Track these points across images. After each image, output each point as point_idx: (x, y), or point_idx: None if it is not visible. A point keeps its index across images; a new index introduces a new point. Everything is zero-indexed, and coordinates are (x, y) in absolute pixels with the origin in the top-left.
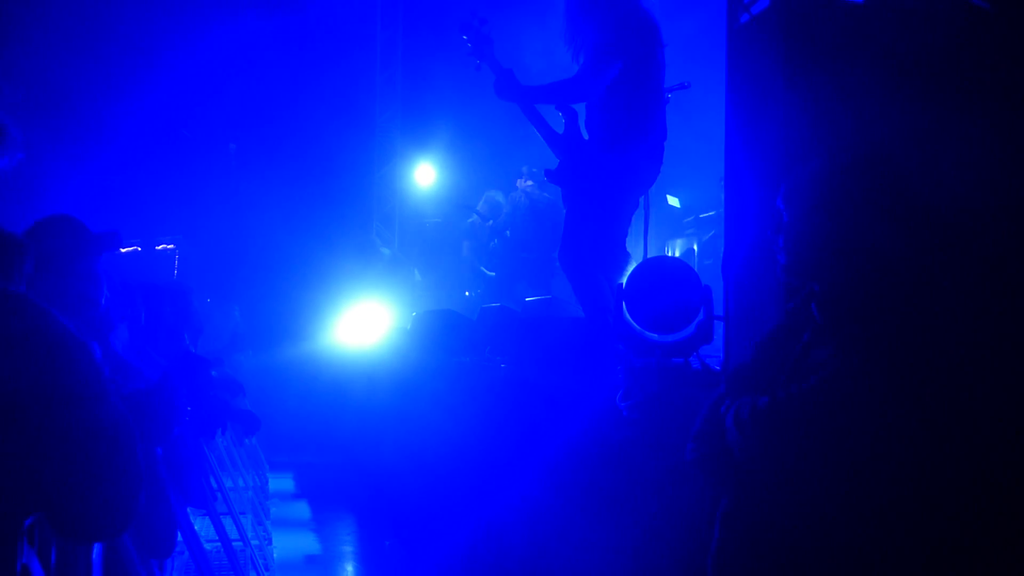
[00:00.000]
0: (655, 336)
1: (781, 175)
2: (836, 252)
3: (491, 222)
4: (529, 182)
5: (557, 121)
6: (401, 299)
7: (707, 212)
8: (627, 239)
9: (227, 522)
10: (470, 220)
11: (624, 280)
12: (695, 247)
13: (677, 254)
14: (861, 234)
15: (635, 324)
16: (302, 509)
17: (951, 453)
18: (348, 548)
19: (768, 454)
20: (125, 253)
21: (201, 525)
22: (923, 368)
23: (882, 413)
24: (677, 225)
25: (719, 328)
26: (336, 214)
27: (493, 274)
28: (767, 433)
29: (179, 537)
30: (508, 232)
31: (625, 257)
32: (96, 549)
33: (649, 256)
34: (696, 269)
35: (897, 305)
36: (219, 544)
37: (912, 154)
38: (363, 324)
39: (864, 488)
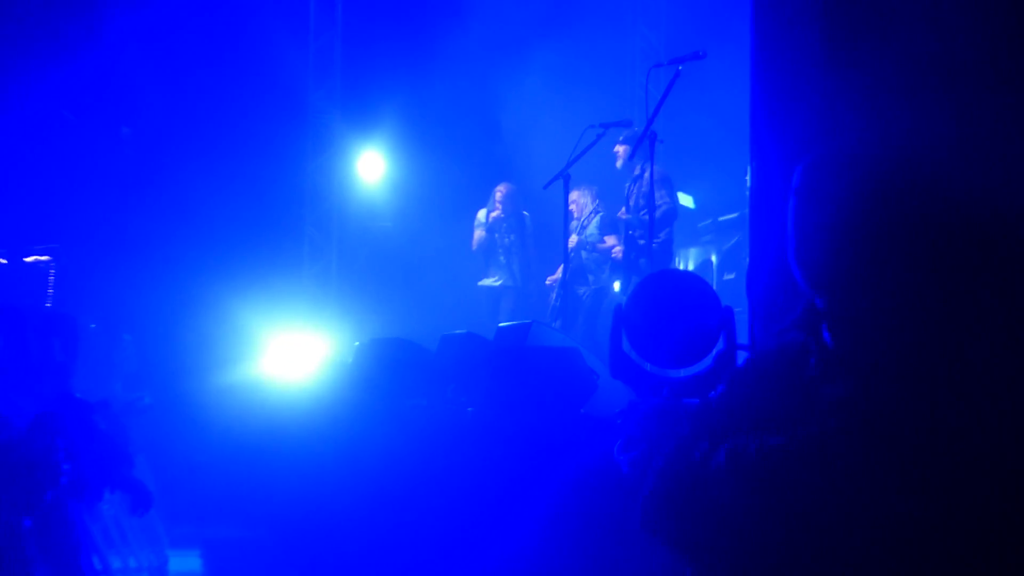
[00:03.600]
0: (663, 371)
1: None
2: (850, 260)
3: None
4: None
5: None
6: (340, 324)
7: (728, 214)
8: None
9: None
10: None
11: (624, 300)
12: (713, 258)
13: (691, 267)
14: (884, 240)
15: (637, 356)
16: None
17: (1007, 520)
18: None
19: (780, 505)
20: None
21: None
22: (968, 418)
23: (921, 473)
24: (691, 230)
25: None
26: (257, 217)
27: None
28: (780, 479)
29: None
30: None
31: None
32: None
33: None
34: (714, 286)
35: (932, 332)
36: None
37: (960, 149)
38: (291, 356)
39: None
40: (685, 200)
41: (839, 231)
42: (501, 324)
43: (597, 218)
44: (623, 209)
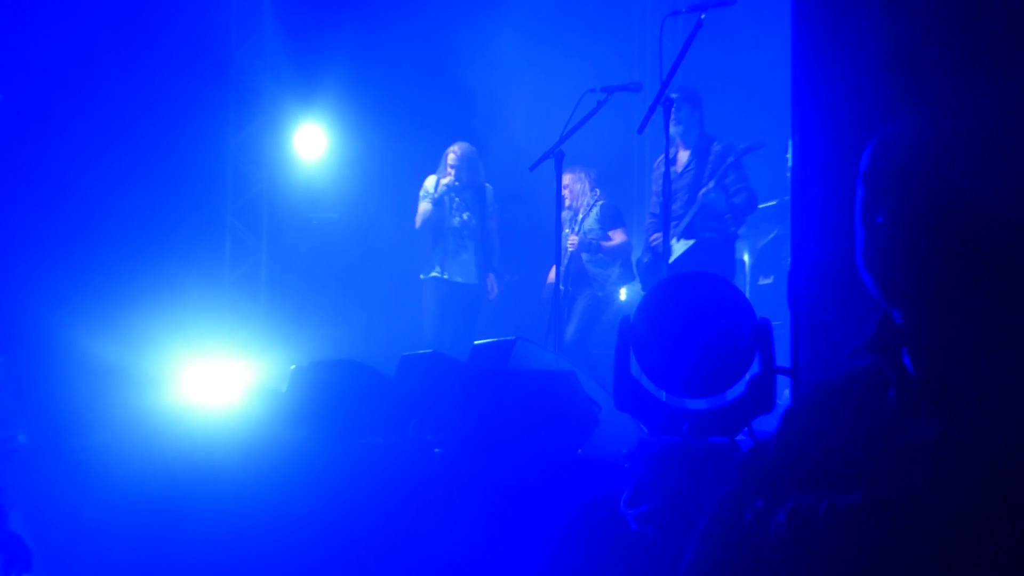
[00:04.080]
0: (681, 401)
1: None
2: (942, 265)
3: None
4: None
5: None
6: (271, 342)
7: (764, 202)
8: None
9: None
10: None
11: (633, 312)
12: (745, 257)
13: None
14: (986, 239)
15: (649, 382)
16: None
17: None
18: None
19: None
20: None
21: None
22: None
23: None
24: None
25: (783, 386)
26: (164, 207)
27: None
28: (858, 549)
29: None
30: None
31: None
32: None
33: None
34: (747, 292)
35: None
36: None
37: None
38: (208, 384)
39: None
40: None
41: (926, 227)
42: (478, 342)
43: (597, 209)
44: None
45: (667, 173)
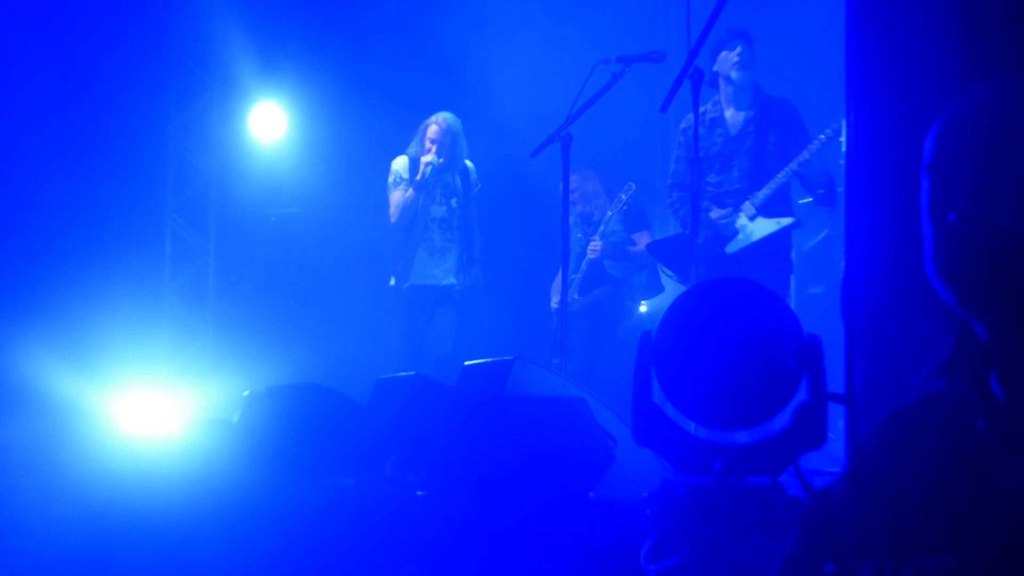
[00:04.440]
0: (713, 434)
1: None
2: None
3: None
4: None
5: None
6: (220, 363)
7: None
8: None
9: None
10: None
11: (656, 326)
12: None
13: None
14: None
15: (674, 411)
16: None
17: None
18: None
19: None
20: None
21: None
22: None
23: None
24: None
25: (836, 416)
26: (93, 202)
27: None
28: None
29: None
30: None
31: None
32: None
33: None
34: (792, 303)
35: None
36: None
37: None
38: (145, 413)
39: None
40: None
41: (1013, 221)
42: (468, 363)
43: (620, 209)
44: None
45: (695, 140)
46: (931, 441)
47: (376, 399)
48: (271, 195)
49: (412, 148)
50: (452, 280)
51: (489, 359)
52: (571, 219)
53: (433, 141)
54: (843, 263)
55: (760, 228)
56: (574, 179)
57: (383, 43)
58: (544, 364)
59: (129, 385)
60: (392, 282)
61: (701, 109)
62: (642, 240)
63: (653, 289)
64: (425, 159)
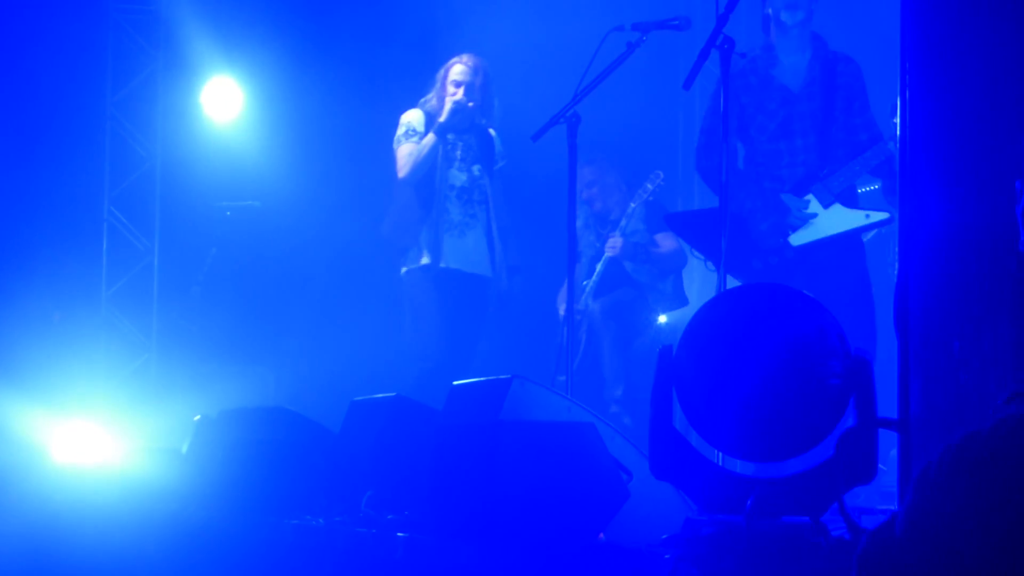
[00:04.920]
0: (744, 465)
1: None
2: None
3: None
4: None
5: None
6: (167, 383)
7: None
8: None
9: None
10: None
11: (677, 340)
12: None
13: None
14: None
15: (699, 438)
16: None
17: None
18: None
19: None
20: None
21: None
22: None
23: None
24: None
25: (888, 445)
26: (16, 192)
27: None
28: None
29: None
30: None
31: None
32: None
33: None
34: (837, 314)
35: None
36: None
37: None
38: (79, 441)
39: None
40: None
41: None
42: (456, 382)
43: (640, 206)
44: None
45: (726, 109)
46: (1012, 472)
47: (350, 424)
48: (226, 185)
49: (429, 100)
50: (474, 268)
51: (483, 378)
52: (582, 217)
53: (459, 83)
54: (897, 266)
55: (840, 220)
56: (587, 171)
57: (357, 6)
58: (548, 383)
59: (62, 409)
60: (423, 260)
61: (746, 56)
62: (666, 243)
63: (677, 300)
64: (453, 98)
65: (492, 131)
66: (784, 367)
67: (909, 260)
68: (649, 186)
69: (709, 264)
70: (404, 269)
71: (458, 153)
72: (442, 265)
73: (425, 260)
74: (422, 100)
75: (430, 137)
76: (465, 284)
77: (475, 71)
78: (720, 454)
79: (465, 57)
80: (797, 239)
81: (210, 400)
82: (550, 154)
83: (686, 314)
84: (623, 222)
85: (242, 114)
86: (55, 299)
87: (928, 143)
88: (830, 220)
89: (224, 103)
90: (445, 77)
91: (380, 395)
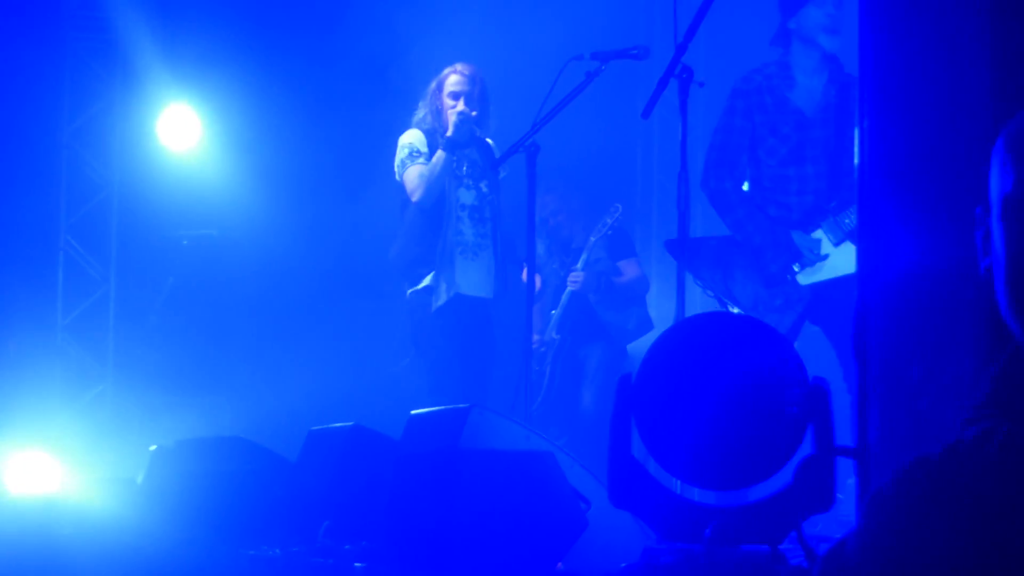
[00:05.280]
0: (703, 493)
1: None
2: None
3: None
4: None
5: None
6: (121, 412)
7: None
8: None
9: None
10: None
11: (636, 368)
12: None
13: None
14: None
15: (657, 466)
16: None
17: None
18: None
19: None
20: None
21: None
22: None
23: None
24: None
25: (846, 473)
26: None
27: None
28: None
29: None
30: None
31: None
32: None
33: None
34: (793, 339)
35: None
36: None
37: None
38: (36, 470)
39: None
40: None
41: None
42: (415, 411)
43: (604, 233)
44: None
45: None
46: (973, 496)
47: (308, 454)
48: (183, 214)
49: (422, 116)
50: (481, 291)
51: (441, 407)
52: (543, 245)
53: (457, 94)
54: (856, 291)
55: (851, 260)
56: (550, 199)
57: (316, 33)
58: (506, 413)
59: (16, 439)
60: (442, 296)
61: (762, 71)
62: (629, 270)
63: (642, 328)
64: (456, 110)
65: (489, 140)
66: (742, 395)
67: (868, 287)
68: (608, 220)
69: (708, 292)
70: (410, 291)
71: (464, 170)
72: (461, 291)
73: (438, 286)
74: (415, 118)
75: (440, 155)
76: (477, 309)
77: (472, 80)
78: (679, 482)
79: (460, 66)
80: (806, 279)
81: (166, 430)
82: (512, 182)
83: (645, 343)
84: (584, 255)
85: (199, 141)
86: (9, 328)
87: (886, 169)
88: (840, 260)
89: (181, 131)
90: (440, 89)
91: (338, 424)
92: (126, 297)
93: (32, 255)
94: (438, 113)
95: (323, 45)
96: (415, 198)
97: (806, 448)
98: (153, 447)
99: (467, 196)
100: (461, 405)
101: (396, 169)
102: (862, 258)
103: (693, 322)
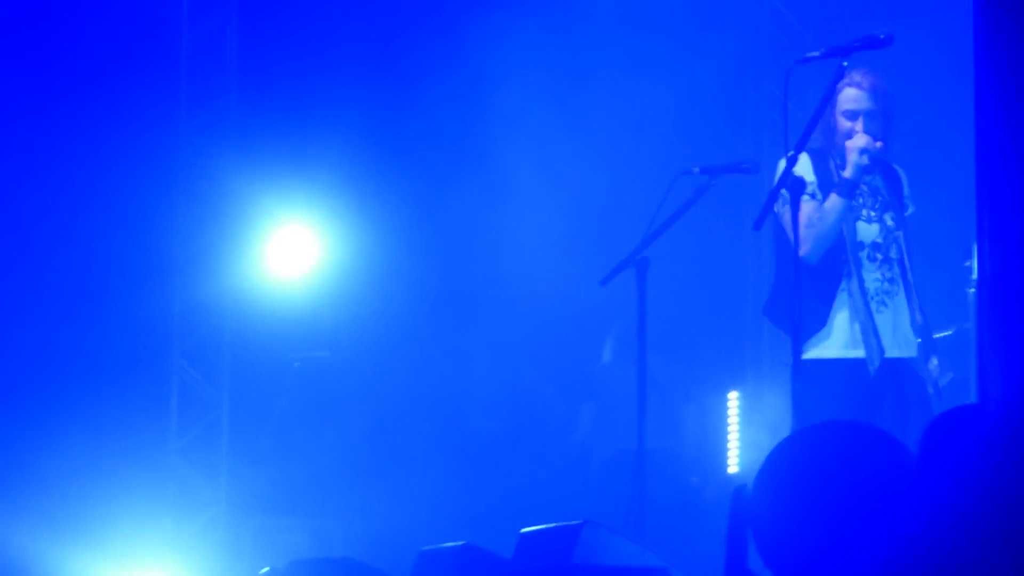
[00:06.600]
0: None
1: None
2: None
3: None
4: None
5: None
6: (237, 533)
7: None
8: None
9: None
10: None
11: (752, 479)
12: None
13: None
14: None
15: None
16: None
17: None
18: None
19: None
20: None
21: None
22: None
23: None
24: None
25: None
26: (85, 344)
27: None
28: None
29: None
30: None
31: None
32: None
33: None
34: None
35: None
36: None
37: None
38: None
39: None
40: None
41: None
42: (526, 529)
43: None
44: None
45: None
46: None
47: (419, 574)
48: (294, 335)
49: (814, 136)
50: (903, 350)
51: (552, 524)
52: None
53: (854, 114)
54: (976, 388)
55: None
56: None
57: (425, 150)
58: (619, 529)
59: (128, 564)
60: (844, 351)
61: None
62: None
63: None
64: (855, 143)
65: (896, 167)
66: (863, 507)
67: (992, 374)
68: None
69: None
70: (805, 356)
71: (864, 197)
72: (887, 355)
73: (852, 350)
74: (812, 137)
75: (835, 201)
76: (893, 371)
77: (873, 94)
78: None
79: (857, 75)
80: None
81: (279, 553)
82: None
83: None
84: None
85: (316, 263)
86: (125, 452)
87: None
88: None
89: (293, 252)
90: (836, 105)
91: (448, 544)
92: (239, 420)
93: (146, 380)
94: (831, 132)
95: (433, 160)
96: (802, 252)
97: None
98: (265, 569)
99: (868, 232)
100: (573, 522)
101: (776, 207)
102: (981, 339)
103: (808, 432)
